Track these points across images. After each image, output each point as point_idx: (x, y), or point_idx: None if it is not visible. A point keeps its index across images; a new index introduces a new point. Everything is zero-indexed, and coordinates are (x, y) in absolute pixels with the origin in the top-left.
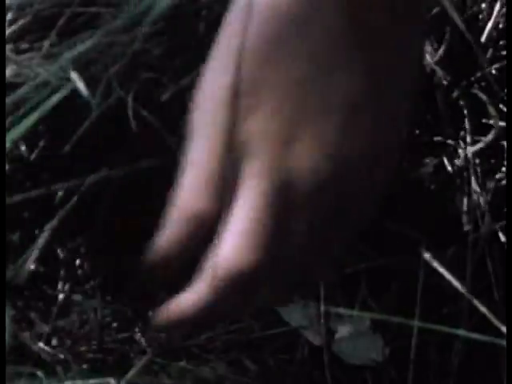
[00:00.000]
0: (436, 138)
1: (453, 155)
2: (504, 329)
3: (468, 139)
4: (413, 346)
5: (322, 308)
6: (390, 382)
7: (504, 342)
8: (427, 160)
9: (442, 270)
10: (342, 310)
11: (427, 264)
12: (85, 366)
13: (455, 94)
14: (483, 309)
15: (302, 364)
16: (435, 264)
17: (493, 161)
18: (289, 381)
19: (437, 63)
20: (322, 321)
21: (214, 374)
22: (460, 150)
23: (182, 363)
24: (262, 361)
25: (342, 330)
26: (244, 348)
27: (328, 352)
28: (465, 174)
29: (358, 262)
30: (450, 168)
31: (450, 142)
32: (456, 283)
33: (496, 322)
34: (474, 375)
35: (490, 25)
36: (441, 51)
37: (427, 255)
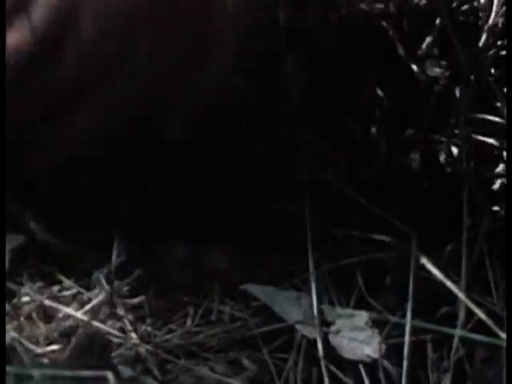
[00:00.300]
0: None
1: (450, 152)
2: (502, 334)
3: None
4: (406, 345)
5: (315, 302)
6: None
7: (502, 343)
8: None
9: (440, 276)
10: (339, 310)
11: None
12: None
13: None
14: (482, 315)
15: (297, 359)
16: (432, 269)
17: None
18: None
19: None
20: (316, 313)
21: (212, 373)
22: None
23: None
24: (260, 359)
25: (338, 324)
26: (242, 346)
27: (323, 346)
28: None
29: (354, 255)
30: (448, 167)
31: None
32: (454, 288)
33: (493, 327)
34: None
35: (490, 21)
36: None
37: (424, 260)
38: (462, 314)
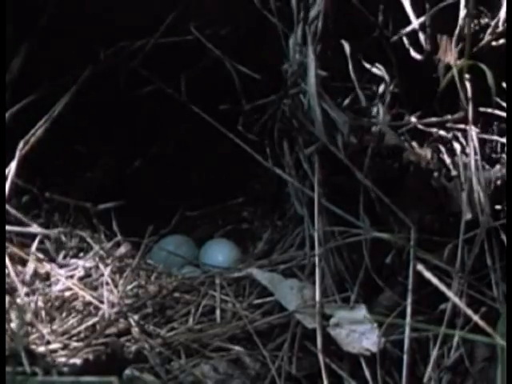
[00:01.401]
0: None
1: (452, 148)
2: (498, 338)
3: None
4: (406, 340)
5: (318, 292)
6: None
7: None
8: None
9: (437, 282)
10: (338, 303)
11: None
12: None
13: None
14: (479, 321)
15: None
16: (428, 275)
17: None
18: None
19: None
20: (318, 304)
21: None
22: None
23: (182, 361)
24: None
25: (337, 317)
26: (244, 344)
27: (321, 336)
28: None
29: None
30: (449, 163)
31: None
32: (452, 295)
33: (490, 330)
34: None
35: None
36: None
37: (420, 267)
38: (461, 315)
